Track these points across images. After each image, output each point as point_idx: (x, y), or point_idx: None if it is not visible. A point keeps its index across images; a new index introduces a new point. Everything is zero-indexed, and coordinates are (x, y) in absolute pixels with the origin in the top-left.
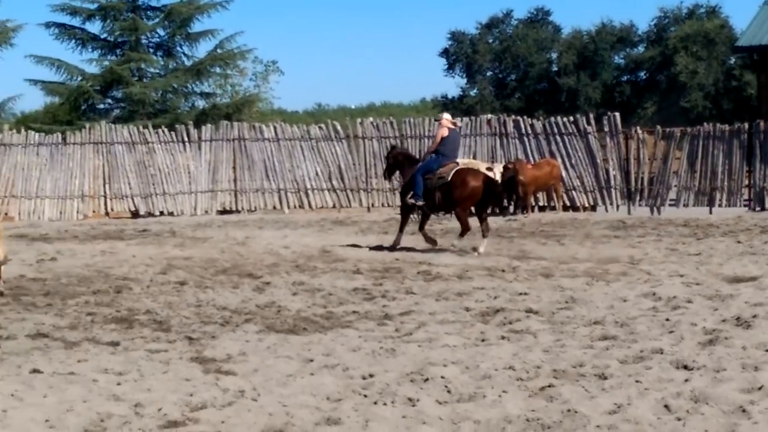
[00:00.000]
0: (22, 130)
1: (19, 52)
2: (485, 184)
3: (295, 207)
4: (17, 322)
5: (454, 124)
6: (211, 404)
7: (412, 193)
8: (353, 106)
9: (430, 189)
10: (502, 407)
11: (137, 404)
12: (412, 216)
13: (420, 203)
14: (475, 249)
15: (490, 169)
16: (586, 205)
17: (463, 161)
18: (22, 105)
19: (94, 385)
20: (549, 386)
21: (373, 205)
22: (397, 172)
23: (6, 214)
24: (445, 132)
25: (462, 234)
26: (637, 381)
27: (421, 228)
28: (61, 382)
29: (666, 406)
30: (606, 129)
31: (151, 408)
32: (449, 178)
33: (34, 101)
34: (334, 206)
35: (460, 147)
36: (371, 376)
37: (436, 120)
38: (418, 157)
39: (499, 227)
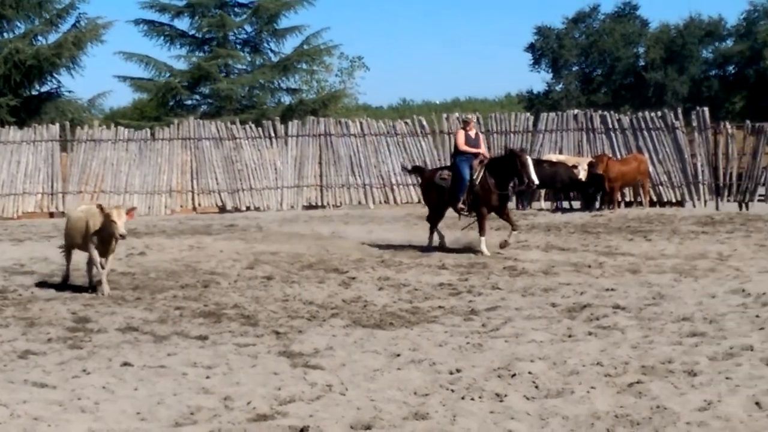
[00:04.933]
0: (112, 125)
1: (108, 48)
2: None
3: (380, 202)
4: (107, 316)
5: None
6: (300, 398)
7: None
8: (438, 102)
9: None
10: (591, 403)
11: (226, 397)
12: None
13: None
14: None
15: (575, 166)
16: (674, 200)
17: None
18: (111, 101)
19: (184, 379)
20: (638, 382)
21: None
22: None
23: None
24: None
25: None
26: (727, 378)
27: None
28: (152, 375)
29: (757, 403)
30: (694, 124)
31: (241, 401)
32: None
33: (123, 97)
34: (419, 201)
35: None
36: (458, 371)
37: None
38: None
39: (586, 222)
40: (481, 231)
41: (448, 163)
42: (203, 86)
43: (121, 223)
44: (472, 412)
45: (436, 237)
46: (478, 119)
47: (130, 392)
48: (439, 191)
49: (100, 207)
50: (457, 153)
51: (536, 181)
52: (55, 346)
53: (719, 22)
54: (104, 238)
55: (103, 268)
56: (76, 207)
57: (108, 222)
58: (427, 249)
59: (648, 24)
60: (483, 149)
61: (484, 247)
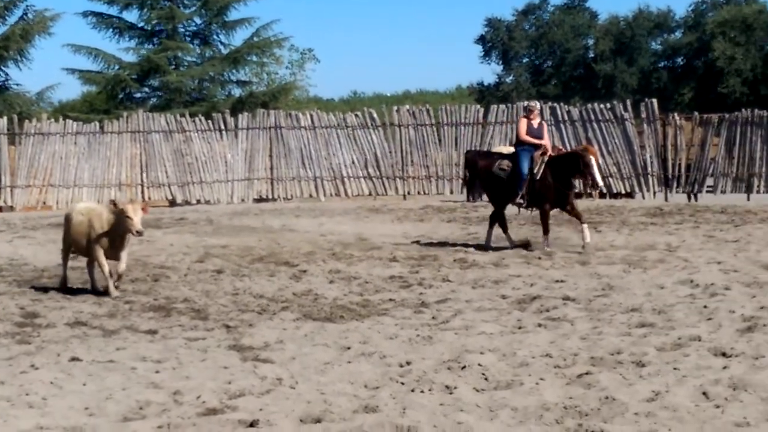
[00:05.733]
0: (60, 119)
1: (56, 41)
2: None
3: (331, 195)
4: (56, 311)
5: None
6: (249, 392)
7: None
8: (389, 94)
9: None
10: (540, 395)
11: (176, 392)
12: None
13: None
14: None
15: None
16: (623, 191)
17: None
18: (60, 94)
19: (133, 373)
20: (586, 374)
21: (408, 193)
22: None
23: (44, 203)
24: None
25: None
26: (675, 368)
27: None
28: (100, 370)
29: (704, 394)
30: (643, 115)
31: (190, 395)
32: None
33: (72, 90)
34: (370, 194)
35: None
36: (408, 363)
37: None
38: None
39: (536, 214)
40: (545, 229)
41: (397, 156)
42: (153, 79)
43: (137, 219)
44: (422, 404)
45: (494, 234)
46: (428, 111)
47: (78, 387)
48: (498, 182)
49: (113, 203)
50: (518, 143)
51: (601, 183)
52: (2, 341)
53: (668, 14)
54: (115, 237)
55: (110, 272)
56: (72, 206)
57: (123, 218)
58: (485, 247)
59: (597, 16)
60: (546, 140)
61: (547, 246)
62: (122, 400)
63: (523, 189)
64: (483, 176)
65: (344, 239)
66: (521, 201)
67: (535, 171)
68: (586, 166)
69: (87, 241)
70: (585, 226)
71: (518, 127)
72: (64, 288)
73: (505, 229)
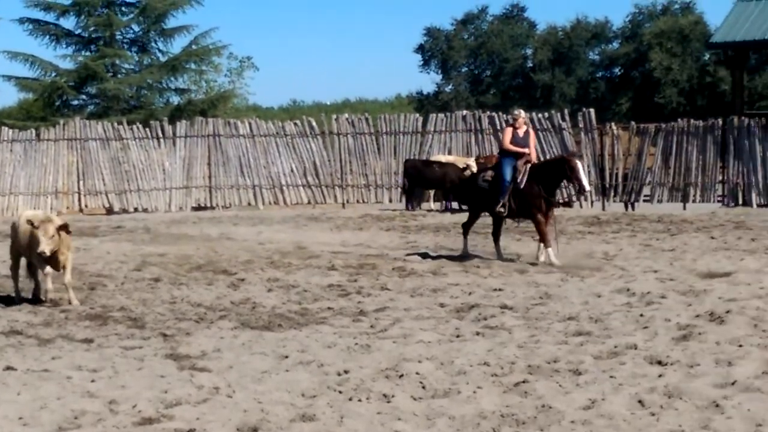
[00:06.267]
0: None
1: None
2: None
3: (269, 203)
4: None
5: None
6: (186, 401)
7: None
8: (328, 102)
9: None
10: (477, 403)
11: (111, 401)
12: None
13: None
14: None
15: (467, 166)
16: (561, 201)
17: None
18: None
19: (68, 383)
20: (523, 382)
21: (347, 201)
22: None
23: None
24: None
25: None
26: (611, 376)
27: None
28: (35, 379)
29: (640, 402)
30: (581, 125)
31: (126, 405)
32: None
33: (8, 97)
34: (309, 202)
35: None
36: (346, 372)
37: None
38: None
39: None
40: (543, 240)
41: (336, 164)
42: (90, 86)
43: (45, 240)
44: (359, 413)
45: (470, 242)
46: (367, 119)
47: (12, 397)
48: (480, 193)
49: (30, 222)
50: (501, 152)
51: (588, 187)
52: None
53: (605, 25)
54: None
55: (49, 283)
56: (20, 214)
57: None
58: (463, 256)
59: (536, 26)
60: (532, 149)
61: (552, 257)
62: (57, 409)
63: (505, 197)
64: (466, 187)
65: (283, 248)
66: (502, 210)
67: (518, 180)
68: (572, 171)
69: (30, 248)
70: (540, 246)
71: (503, 137)
72: (20, 300)
73: (466, 234)
